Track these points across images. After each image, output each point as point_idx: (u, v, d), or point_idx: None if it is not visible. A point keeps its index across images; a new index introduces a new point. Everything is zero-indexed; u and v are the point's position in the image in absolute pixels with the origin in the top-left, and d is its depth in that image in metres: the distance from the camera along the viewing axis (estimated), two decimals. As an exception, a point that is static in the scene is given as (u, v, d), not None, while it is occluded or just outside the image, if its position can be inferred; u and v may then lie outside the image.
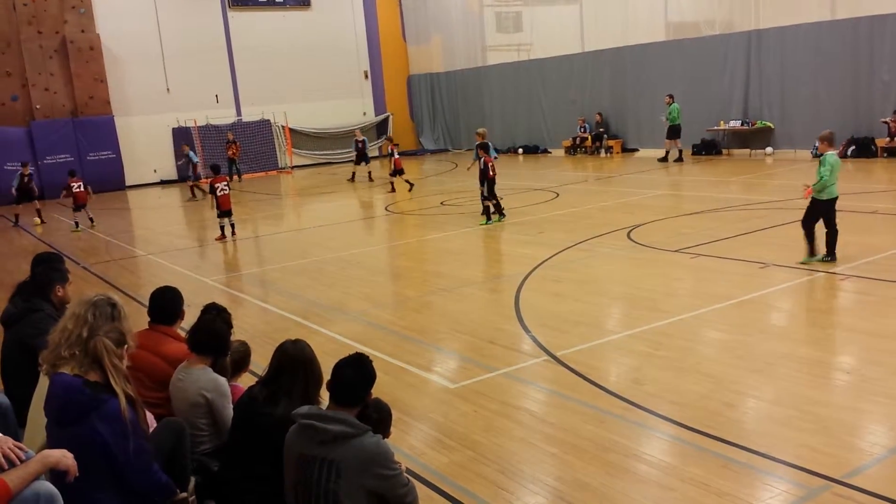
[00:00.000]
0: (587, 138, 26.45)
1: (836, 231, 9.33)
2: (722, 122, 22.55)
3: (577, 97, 27.12)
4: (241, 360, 5.08)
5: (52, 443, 3.76)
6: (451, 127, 33.78)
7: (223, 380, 4.60)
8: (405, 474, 3.65)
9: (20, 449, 3.67)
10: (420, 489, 4.16)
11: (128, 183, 27.80)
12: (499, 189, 15.35)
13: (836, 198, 9.33)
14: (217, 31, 29.84)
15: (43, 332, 4.39)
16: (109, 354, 3.77)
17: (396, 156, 21.17)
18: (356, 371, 3.69)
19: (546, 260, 10.86)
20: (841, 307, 8.09)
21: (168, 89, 28.71)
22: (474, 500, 4.63)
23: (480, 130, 15.75)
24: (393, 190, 20.84)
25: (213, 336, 4.65)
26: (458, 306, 9.08)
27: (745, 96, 22.11)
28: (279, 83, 30.50)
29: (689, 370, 6.39)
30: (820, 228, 9.44)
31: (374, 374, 3.76)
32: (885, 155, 18.98)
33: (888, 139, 19.00)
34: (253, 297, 10.34)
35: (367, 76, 33.36)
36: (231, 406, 4.48)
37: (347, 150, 32.53)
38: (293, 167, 30.62)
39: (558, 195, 17.37)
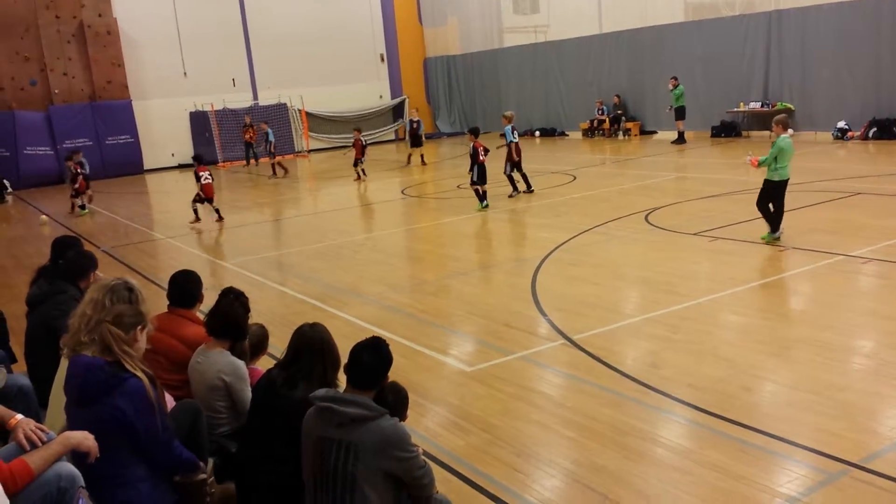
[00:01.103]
0: (605, 120, 26.29)
1: (783, 211, 9.74)
2: (741, 103, 22.31)
3: (594, 79, 26.98)
4: (258, 343, 5.11)
5: (72, 424, 3.81)
6: (468, 110, 33.64)
7: (241, 363, 4.63)
8: (422, 457, 3.67)
9: (41, 430, 3.72)
10: (436, 471, 4.18)
11: (146, 167, 27.94)
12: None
13: (788, 179, 9.65)
14: (233, 15, 29.83)
15: (66, 314, 4.45)
16: (117, 342, 3.80)
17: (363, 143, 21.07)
18: (373, 355, 3.70)
19: (563, 243, 10.83)
20: (861, 291, 8.01)
21: (185, 73, 28.78)
22: (490, 483, 4.64)
23: (507, 113, 15.70)
24: (358, 178, 20.64)
25: (231, 320, 4.67)
26: (474, 289, 9.09)
27: (765, 77, 21.85)
28: (295, 67, 30.47)
29: (706, 354, 6.36)
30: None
31: (391, 358, 3.77)
32: (908, 137, 18.73)
33: (911, 120, 18.75)
34: (270, 281, 10.38)
35: (383, 59, 33.26)
36: (249, 389, 4.51)
37: (363, 134, 32.51)
38: (310, 151, 30.65)
39: (575, 178, 17.29)
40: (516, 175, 15.41)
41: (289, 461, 3.88)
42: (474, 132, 14.83)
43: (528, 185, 15.54)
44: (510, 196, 15.17)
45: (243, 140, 27.37)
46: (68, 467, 3.53)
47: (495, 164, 15.42)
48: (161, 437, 3.78)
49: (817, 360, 6.06)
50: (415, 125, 23.51)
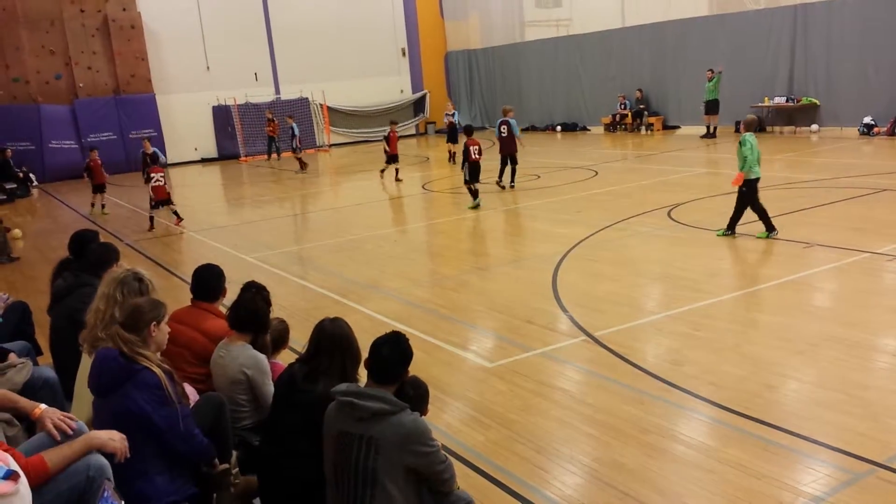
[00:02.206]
0: (627, 115, 26.12)
1: (764, 208, 9.91)
2: (766, 98, 22.08)
3: (616, 74, 26.80)
4: (280, 337, 5.13)
5: (96, 415, 3.85)
6: (489, 104, 33.54)
7: (263, 357, 4.65)
8: (443, 451, 3.67)
9: (70, 419, 3.74)
10: (456, 467, 4.17)
11: (169, 160, 28.11)
12: (537, 167, 15.34)
13: (759, 178, 9.91)
14: (256, 10, 29.95)
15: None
16: (128, 345, 3.82)
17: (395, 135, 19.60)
18: (393, 349, 3.70)
19: (584, 239, 10.78)
20: (887, 289, 7.90)
21: (208, 67, 28.94)
22: (510, 479, 4.64)
23: (505, 108, 16.48)
24: (383, 173, 19.64)
25: (253, 313, 4.69)
26: (494, 285, 9.07)
27: (790, 72, 21.61)
28: (317, 61, 30.56)
29: (729, 351, 6.31)
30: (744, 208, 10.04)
31: (411, 353, 3.77)
32: (936, 132, 18.46)
33: (939, 116, 18.47)
34: (292, 275, 10.43)
35: (404, 53, 33.26)
36: (271, 383, 4.53)
37: (384, 129, 32.60)
38: (331, 145, 30.72)
39: (597, 173, 17.20)
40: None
41: (310, 455, 3.89)
42: (468, 131, 15.12)
43: (500, 179, 16.07)
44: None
45: (266, 134, 27.51)
46: (97, 457, 3.55)
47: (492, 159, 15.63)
48: (180, 427, 3.81)
49: (842, 358, 5.99)
50: (450, 118, 22.40)
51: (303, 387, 4.00)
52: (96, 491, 3.45)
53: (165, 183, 15.00)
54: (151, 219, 15.05)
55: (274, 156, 27.55)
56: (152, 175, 14.77)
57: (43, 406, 3.88)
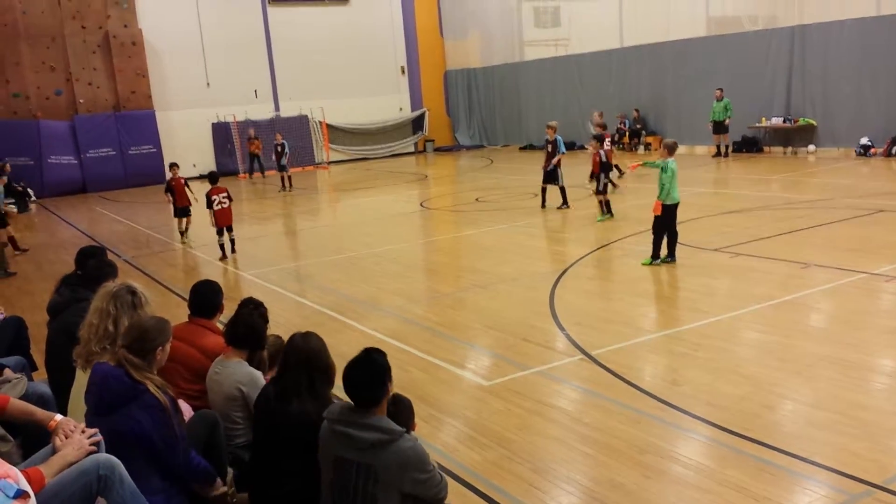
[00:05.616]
0: (625, 134, 26.20)
1: (677, 234, 10.07)
2: (763, 118, 22.18)
3: (614, 93, 26.90)
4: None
5: None
6: (487, 123, 33.68)
7: (258, 373, 4.63)
8: (437, 471, 3.64)
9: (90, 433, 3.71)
10: (452, 486, 4.16)
11: (168, 177, 28.11)
12: (536, 185, 15.35)
13: (678, 203, 9.99)
14: (256, 27, 30.08)
15: (87, 321, 4.47)
16: (136, 369, 3.80)
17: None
18: (364, 372, 3.54)
19: (582, 258, 10.78)
20: (883, 309, 7.91)
21: (208, 84, 29.03)
22: (507, 499, 4.61)
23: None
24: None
25: (250, 330, 4.68)
26: (492, 303, 9.06)
27: (787, 93, 21.71)
28: (317, 79, 30.66)
29: (727, 371, 6.30)
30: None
31: (387, 366, 3.59)
32: (932, 154, 18.53)
33: (935, 137, 18.54)
34: (289, 292, 10.41)
35: (403, 72, 33.40)
36: (267, 400, 4.51)
37: (383, 146, 32.75)
38: (330, 163, 30.78)
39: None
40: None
41: (296, 473, 3.85)
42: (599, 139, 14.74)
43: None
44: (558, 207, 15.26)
45: (248, 153, 27.27)
46: (106, 455, 3.51)
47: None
48: (178, 447, 3.79)
49: (839, 378, 5.98)
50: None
51: (275, 407, 3.93)
52: (109, 488, 3.41)
53: (230, 205, 12.84)
54: (222, 246, 12.96)
55: (258, 174, 27.35)
56: (213, 197, 12.53)
57: (59, 417, 3.84)
